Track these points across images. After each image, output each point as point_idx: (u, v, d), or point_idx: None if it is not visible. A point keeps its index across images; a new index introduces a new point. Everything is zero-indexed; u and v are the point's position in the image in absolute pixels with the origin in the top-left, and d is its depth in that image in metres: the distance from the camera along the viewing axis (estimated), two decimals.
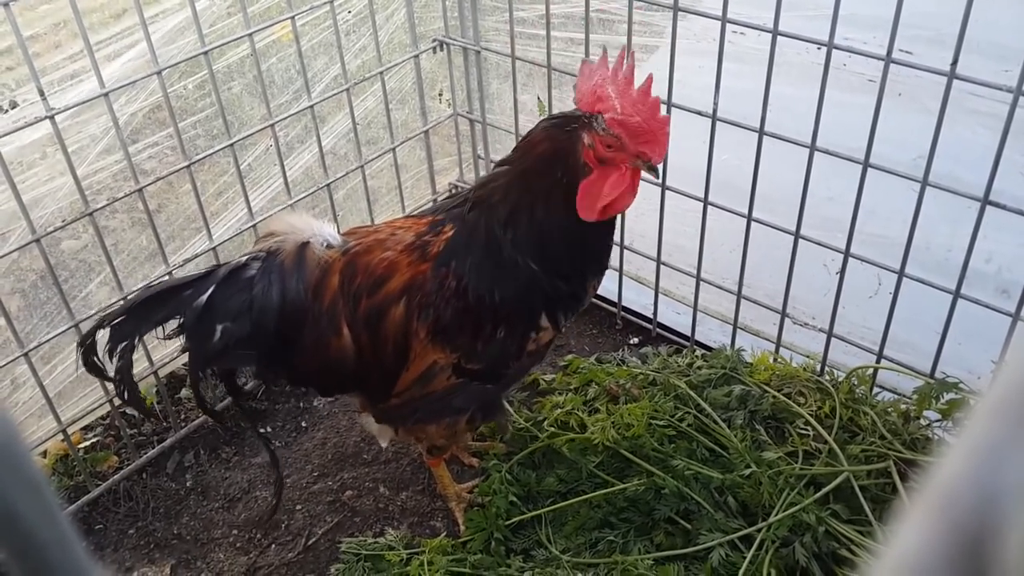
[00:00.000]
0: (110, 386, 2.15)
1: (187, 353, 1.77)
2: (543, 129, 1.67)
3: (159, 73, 1.98)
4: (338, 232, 1.82)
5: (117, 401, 2.22)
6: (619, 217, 2.10)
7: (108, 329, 1.70)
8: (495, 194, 1.71)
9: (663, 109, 1.67)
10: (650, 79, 1.60)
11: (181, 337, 1.75)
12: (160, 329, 1.73)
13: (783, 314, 2.25)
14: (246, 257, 1.78)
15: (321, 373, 1.83)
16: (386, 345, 1.77)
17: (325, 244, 1.78)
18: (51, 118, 1.84)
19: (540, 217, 1.67)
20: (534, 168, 1.67)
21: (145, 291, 1.76)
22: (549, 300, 1.74)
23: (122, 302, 1.77)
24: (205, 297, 1.71)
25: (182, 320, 1.72)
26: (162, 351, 2.32)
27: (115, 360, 1.72)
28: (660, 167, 1.64)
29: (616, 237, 2.00)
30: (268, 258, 1.76)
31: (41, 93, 1.80)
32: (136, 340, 1.72)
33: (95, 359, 1.75)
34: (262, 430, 2.43)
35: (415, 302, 1.74)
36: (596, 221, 1.66)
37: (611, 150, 1.60)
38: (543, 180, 1.66)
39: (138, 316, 1.72)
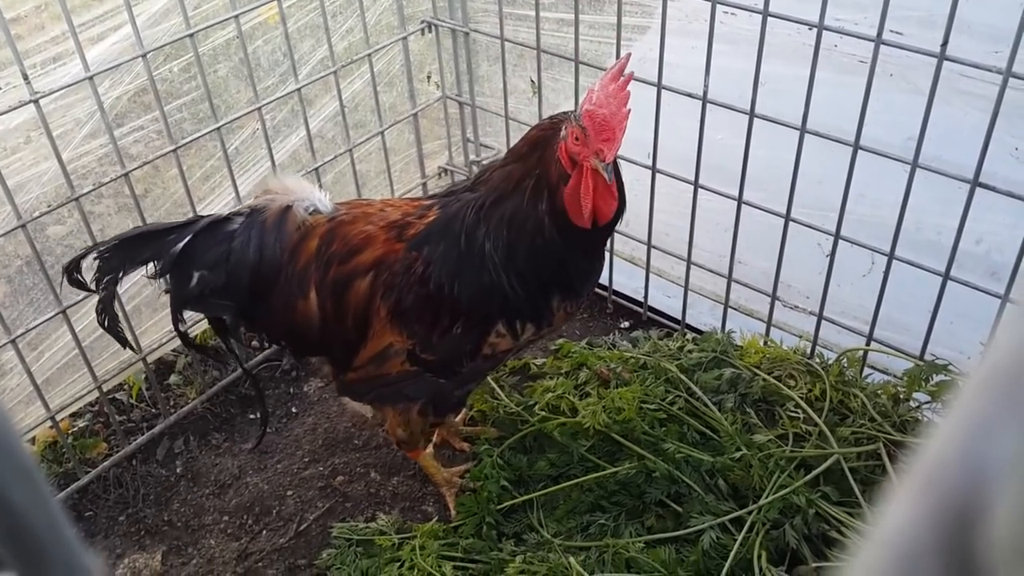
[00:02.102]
0: (99, 371, 2.15)
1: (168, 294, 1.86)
2: (540, 121, 1.69)
3: (144, 56, 1.96)
4: (328, 200, 1.86)
5: (105, 388, 2.22)
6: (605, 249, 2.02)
7: (96, 261, 1.78)
8: (485, 182, 1.71)
9: (630, 101, 1.58)
10: (625, 59, 1.57)
11: (164, 280, 1.82)
12: (145, 269, 1.81)
13: (773, 297, 2.25)
14: (229, 211, 1.84)
15: (288, 334, 1.88)
16: (347, 316, 1.79)
17: (312, 209, 1.82)
18: (35, 102, 1.82)
19: (511, 208, 1.65)
20: (520, 154, 1.67)
21: (133, 230, 1.84)
22: (509, 307, 1.72)
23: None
24: (182, 244, 1.77)
25: (161, 263, 1.79)
26: (151, 336, 2.31)
27: (100, 291, 1.79)
28: (610, 173, 1.56)
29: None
30: (251, 215, 1.81)
31: (24, 76, 1.78)
32: (120, 274, 1.79)
33: (78, 276, 1.82)
34: (252, 416, 2.43)
35: (381, 280, 1.76)
36: (569, 238, 1.64)
37: (578, 144, 1.57)
38: (522, 169, 1.65)
39: (124, 252, 1.78)
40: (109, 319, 1.83)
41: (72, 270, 1.80)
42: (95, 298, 2.11)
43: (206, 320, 2.02)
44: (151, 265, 1.80)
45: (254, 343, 2.55)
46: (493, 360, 1.83)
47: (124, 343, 1.95)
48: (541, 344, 2.52)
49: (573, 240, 1.66)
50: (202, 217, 1.84)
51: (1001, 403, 0.29)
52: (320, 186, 2.45)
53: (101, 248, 1.78)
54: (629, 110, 1.56)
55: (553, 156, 1.61)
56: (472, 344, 1.75)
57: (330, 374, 1.98)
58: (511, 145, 1.76)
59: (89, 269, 1.82)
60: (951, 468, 0.30)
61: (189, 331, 2.05)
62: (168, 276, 1.80)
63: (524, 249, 1.67)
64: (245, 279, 1.79)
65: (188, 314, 1.94)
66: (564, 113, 1.66)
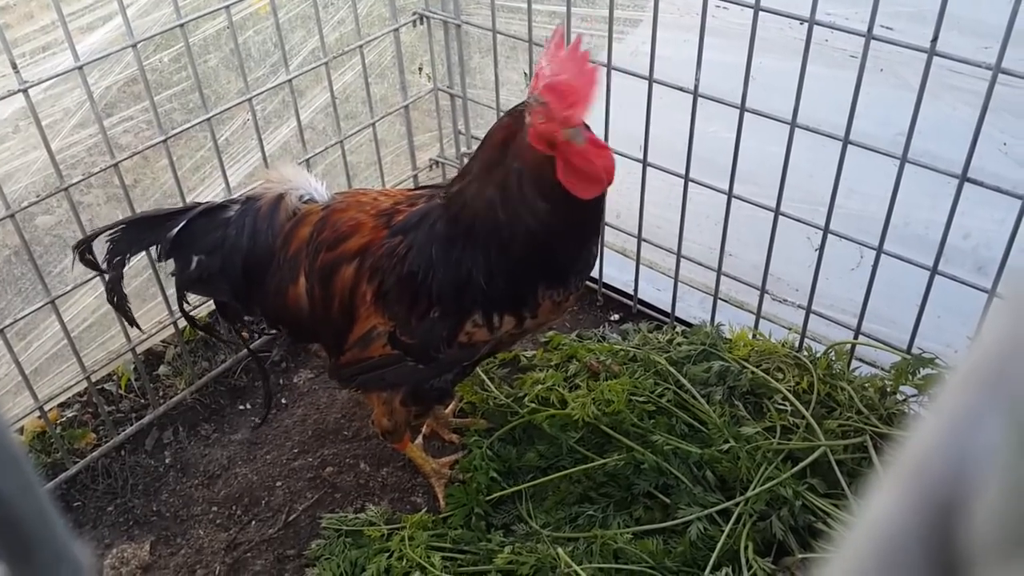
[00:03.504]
0: (87, 362, 2.15)
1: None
2: (500, 119, 1.67)
3: (134, 46, 1.95)
4: (324, 189, 1.91)
5: (94, 378, 2.21)
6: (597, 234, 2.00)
7: (106, 242, 1.86)
8: (458, 185, 1.71)
9: (599, 70, 1.56)
10: (578, 39, 1.52)
11: (167, 262, 1.92)
12: (150, 252, 1.94)
13: (762, 290, 2.26)
14: (224, 199, 1.93)
15: (282, 319, 1.94)
16: (333, 301, 1.82)
17: (307, 198, 1.87)
18: (24, 91, 1.80)
19: (505, 214, 1.64)
20: (492, 158, 1.64)
21: (139, 214, 1.95)
22: (486, 299, 1.71)
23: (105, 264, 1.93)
24: (176, 229, 1.85)
25: (161, 246, 1.88)
26: (142, 324, 2.30)
27: (109, 271, 1.89)
28: (581, 137, 1.50)
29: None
30: (247, 202, 1.89)
31: (14, 66, 1.77)
32: (127, 256, 1.88)
33: (89, 256, 1.90)
34: (241, 406, 2.43)
35: (367, 265, 1.77)
36: (563, 221, 1.63)
37: (546, 122, 1.52)
38: (500, 169, 1.63)
39: (131, 235, 1.88)
40: (118, 298, 1.92)
41: (84, 250, 1.88)
42: (83, 289, 2.12)
43: (213, 304, 2.11)
44: (154, 248, 1.89)
45: (245, 333, 2.55)
46: (471, 349, 1.80)
47: (132, 321, 2.03)
48: (531, 337, 2.52)
49: (566, 222, 1.65)
50: (200, 204, 1.91)
51: (985, 395, 0.30)
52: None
53: (110, 230, 1.86)
54: (593, 66, 1.51)
55: (524, 145, 1.56)
56: (448, 330, 1.75)
57: (326, 360, 2.01)
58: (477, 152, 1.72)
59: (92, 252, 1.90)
60: (935, 458, 0.30)
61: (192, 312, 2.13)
62: (172, 259, 1.89)
63: (520, 244, 1.65)
64: (239, 264, 1.85)
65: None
66: (522, 104, 1.61)
